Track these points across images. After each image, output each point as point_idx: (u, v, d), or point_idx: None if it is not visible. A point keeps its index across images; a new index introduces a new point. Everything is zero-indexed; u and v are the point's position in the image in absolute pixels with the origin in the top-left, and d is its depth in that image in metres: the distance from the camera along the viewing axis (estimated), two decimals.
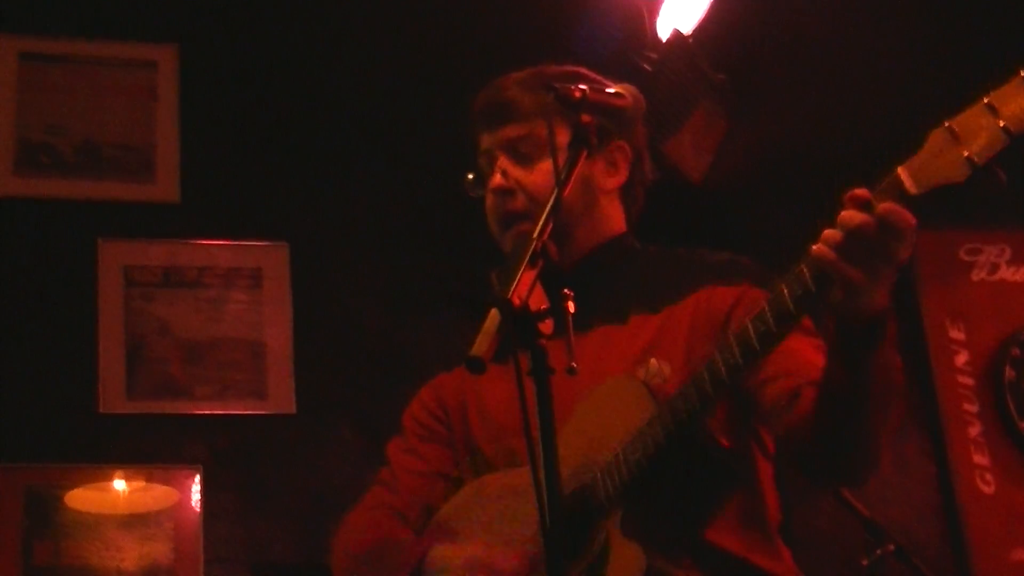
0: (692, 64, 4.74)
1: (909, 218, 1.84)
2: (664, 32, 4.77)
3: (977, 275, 5.22)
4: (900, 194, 1.84)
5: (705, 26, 4.76)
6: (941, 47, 5.18)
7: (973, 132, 1.78)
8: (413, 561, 2.37)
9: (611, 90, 2.19)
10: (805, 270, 1.93)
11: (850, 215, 1.85)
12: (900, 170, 1.84)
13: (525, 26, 4.85)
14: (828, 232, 1.87)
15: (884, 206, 1.83)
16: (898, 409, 2.09)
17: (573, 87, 2.11)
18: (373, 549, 2.47)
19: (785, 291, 1.96)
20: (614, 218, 2.55)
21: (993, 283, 5.23)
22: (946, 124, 1.81)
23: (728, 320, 2.31)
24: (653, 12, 4.83)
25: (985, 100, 1.78)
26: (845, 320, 1.94)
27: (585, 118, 2.12)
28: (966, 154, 1.78)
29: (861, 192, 1.87)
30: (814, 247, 1.89)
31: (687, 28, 4.75)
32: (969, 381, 5.06)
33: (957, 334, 5.11)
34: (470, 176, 2.55)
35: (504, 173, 2.49)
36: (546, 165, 2.45)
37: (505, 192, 2.48)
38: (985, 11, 5.14)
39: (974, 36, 5.18)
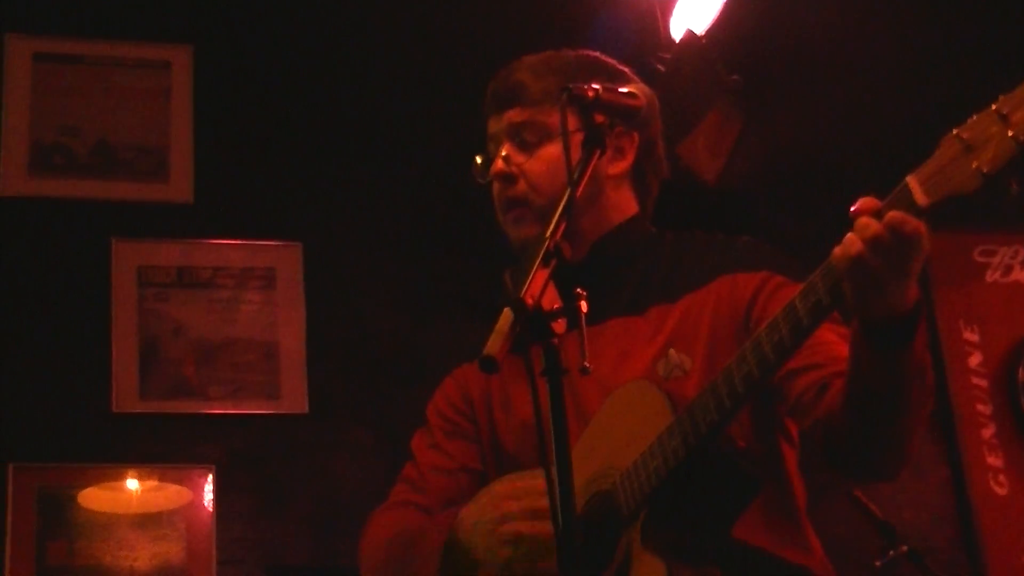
0: (706, 65, 4.74)
1: (919, 226, 1.80)
2: (677, 33, 4.77)
3: (991, 276, 5.21)
4: (910, 205, 1.79)
5: (718, 27, 4.76)
6: (955, 49, 5.18)
7: (982, 141, 1.73)
8: (442, 539, 2.33)
9: (624, 90, 2.17)
10: (819, 280, 1.91)
11: (866, 222, 1.82)
12: (910, 179, 1.80)
13: (539, 28, 4.85)
14: (849, 237, 1.84)
15: (891, 215, 1.80)
16: (929, 405, 2.06)
17: (586, 87, 2.10)
18: (399, 539, 2.45)
19: (798, 301, 1.94)
20: (623, 204, 2.51)
21: (1007, 284, 5.22)
22: (955, 132, 1.76)
23: (750, 308, 2.29)
24: (666, 13, 4.83)
25: (994, 107, 1.73)
26: (870, 321, 1.91)
27: (598, 118, 2.11)
28: (975, 164, 1.73)
29: (871, 200, 1.84)
30: (835, 250, 1.86)
31: (700, 29, 4.75)
32: (983, 383, 5.05)
33: (971, 335, 5.10)
34: (479, 160, 2.54)
35: (506, 159, 2.46)
36: (547, 152, 2.44)
37: (506, 177, 2.46)
38: (998, 13, 5.13)
39: (987, 38, 5.17)
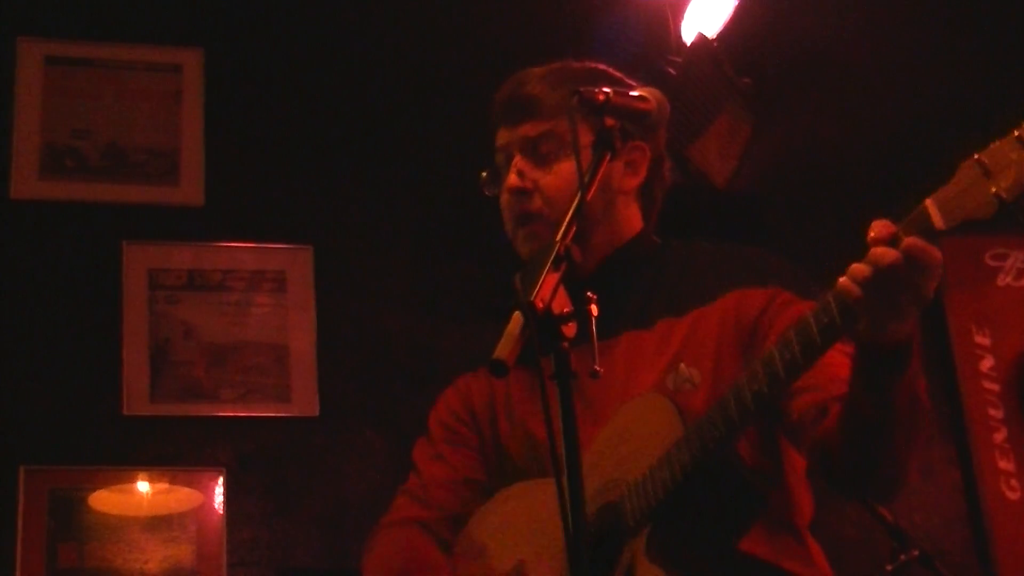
0: (717, 68, 4.73)
1: (935, 254, 1.81)
2: (688, 36, 4.77)
3: (1003, 280, 5.19)
4: (927, 228, 1.80)
5: (729, 30, 4.76)
6: (965, 56, 5.17)
7: (1002, 167, 1.74)
8: None
9: (635, 93, 2.17)
10: (832, 301, 1.90)
11: (882, 252, 1.81)
12: (928, 203, 1.81)
13: (549, 31, 4.85)
14: (856, 267, 1.84)
15: (909, 241, 1.80)
16: (925, 431, 2.06)
17: (597, 90, 2.08)
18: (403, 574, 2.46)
19: (812, 321, 1.93)
20: (632, 219, 2.51)
21: (1019, 288, 5.20)
22: (976, 157, 1.77)
23: (757, 325, 2.28)
24: (677, 16, 4.82)
25: (1016, 133, 1.74)
26: (867, 349, 1.92)
27: (609, 122, 2.10)
28: (994, 190, 1.74)
29: (886, 225, 1.84)
30: (840, 280, 1.86)
31: (712, 32, 4.74)
32: (994, 387, 5.03)
33: (982, 339, 5.08)
34: (484, 173, 2.51)
35: (520, 173, 2.43)
36: (564, 167, 2.41)
37: (521, 192, 2.43)
38: (1007, 19, 5.13)
39: (997, 45, 5.16)
